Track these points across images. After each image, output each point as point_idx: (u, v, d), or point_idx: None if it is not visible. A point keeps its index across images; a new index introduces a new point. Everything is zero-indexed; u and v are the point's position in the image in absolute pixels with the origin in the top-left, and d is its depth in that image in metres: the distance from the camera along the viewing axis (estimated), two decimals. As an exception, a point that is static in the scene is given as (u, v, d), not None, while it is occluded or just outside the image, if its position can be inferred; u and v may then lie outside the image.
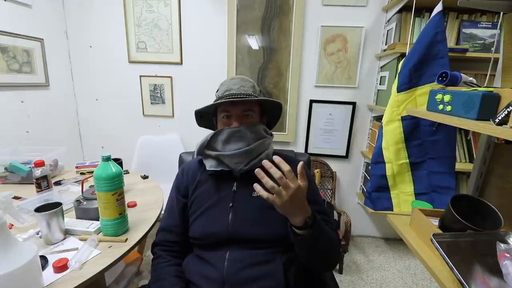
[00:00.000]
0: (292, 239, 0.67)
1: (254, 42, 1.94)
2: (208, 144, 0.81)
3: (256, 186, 0.60)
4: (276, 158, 0.59)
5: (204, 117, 0.89)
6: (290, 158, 0.89)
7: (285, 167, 0.59)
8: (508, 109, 0.59)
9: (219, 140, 0.79)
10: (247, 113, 0.79)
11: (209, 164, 0.81)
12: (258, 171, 0.57)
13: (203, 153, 0.83)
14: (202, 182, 0.84)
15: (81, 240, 0.83)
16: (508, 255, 0.60)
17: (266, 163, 0.59)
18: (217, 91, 0.85)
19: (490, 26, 1.61)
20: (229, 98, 0.76)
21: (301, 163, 0.64)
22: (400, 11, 1.64)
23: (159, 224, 0.89)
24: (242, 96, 0.77)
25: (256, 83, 0.87)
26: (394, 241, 2.16)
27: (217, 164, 0.80)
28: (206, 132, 0.86)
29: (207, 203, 0.80)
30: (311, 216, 0.64)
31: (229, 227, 0.75)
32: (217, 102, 0.78)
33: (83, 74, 2.11)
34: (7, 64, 1.64)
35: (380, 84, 1.89)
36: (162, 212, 0.94)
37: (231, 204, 0.78)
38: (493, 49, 1.54)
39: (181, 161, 1.22)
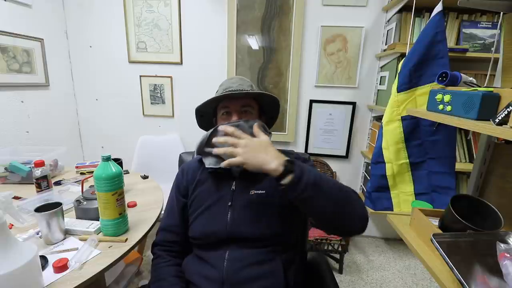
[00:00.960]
0: (289, 197, 0.63)
1: (254, 42, 1.94)
2: (208, 141, 0.81)
3: (224, 163, 0.66)
4: (226, 128, 0.69)
5: (205, 116, 0.89)
6: (288, 152, 0.89)
7: (229, 129, 0.68)
8: (508, 109, 0.59)
9: (218, 135, 0.78)
10: (246, 108, 0.81)
11: (208, 162, 0.81)
12: (215, 139, 0.69)
13: (202, 151, 0.83)
14: (201, 181, 0.84)
15: (81, 240, 0.83)
16: (508, 255, 0.60)
17: (224, 128, 0.70)
18: (216, 92, 0.86)
19: (490, 26, 1.61)
20: (228, 92, 0.78)
21: (256, 123, 0.73)
22: (400, 11, 1.64)
23: (159, 224, 0.89)
24: (239, 91, 0.79)
25: (256, 83, 0.87)
26: (394, 241, 2.16)
27: (216, 161, 0.80)
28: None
29: (207, 203, 0.80)
30: (288, 160, 0.62)
31: (228, 226, 0.75)
32: (217, 96, 0.79)
33: (83, 74, 2.11)
34: (7, 64, 1.64)
35: (380, 84, 1.89)
36: (162, 212, 0.94)
37: (230, 203, 0.78)
38: (493, 49, 1.54)
39: (181, 161, 1.22)
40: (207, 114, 0.89)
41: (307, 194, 0.61)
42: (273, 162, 0.62)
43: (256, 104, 0.85)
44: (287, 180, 0.61)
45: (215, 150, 0.71)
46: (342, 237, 1.66)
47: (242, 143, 0.65)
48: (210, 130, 0.80)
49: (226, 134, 0.69)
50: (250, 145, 0.65)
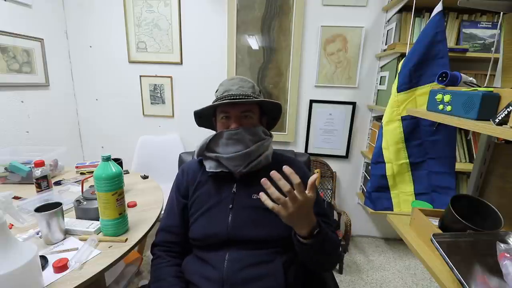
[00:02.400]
0: (297, 248, 0.68)
1: (254, 42, 1.94)
2: (207, 146, 0.81)
3: (262, 195, 0.59)
4: (286, 169, 0.57)
5: (204, 117, 0.88)
6: (288, 159, 0.89)
7: (296, 179, 0.57)
8: (508, 109, 0.59)
9: (218, 143, 0.79)
10: (246, 114, 0.78)
11: (209, 165, 0.81)
12: (264, 181, 0.57)
13: (203, 154, 0.83)
14: (202, 183, 0.84)
15: (81, 240, 0.83)
16: (508, 255, 0.60)
17: (274, 174, 0.56)
18: (216, 91, 0.85)
19: (490, 26, 1.61)
20: (227, 99, 0.76)
21: (313, 176, 0.61)
22: (400, 11, 1.64)
23: (159, 225, 0.89)
24: (241, 97, 0.77)
25: (256, 83, 0.86)
26: (394, 241, 2.16)
27: (217, 165, 0.80)
28: (206, 132, 0.86)
29: (207, 204, 0.80)
30: (316, 225, 0.64)
31: (229, 229, 0.75)
32: (216, 103, 0.77)
33: (83, 74, 2.11)
34: (7, 64, 1.64)
35: (380, 84, 1.89)
36: (162, 212, 0.94)
37: (230, 206, 0.78)
38: (493, 49, 1.54)
39: (181, 161, 1.22)
40: (207, 115, 0.88)
41: (312, 253, 0.67)
42: (305, 227, 0.63)
43: (257, 107, 0.82)
44: (307, 241, 0.64)
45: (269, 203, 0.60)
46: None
47: (298, 203, 0.58)
48: (210, 136, 0.80)
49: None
50: (301, 206, 0.58)
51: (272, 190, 0.57)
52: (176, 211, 0.84)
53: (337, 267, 1.79)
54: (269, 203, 0.59)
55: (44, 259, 0.72)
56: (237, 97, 0.76)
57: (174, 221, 0.84)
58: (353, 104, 1.97)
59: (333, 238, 0.71)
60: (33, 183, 1.15)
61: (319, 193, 0.90)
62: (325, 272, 0.88)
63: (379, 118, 1.87)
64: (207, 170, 0.81)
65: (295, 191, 0.57)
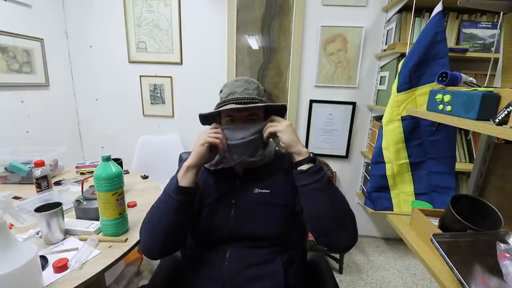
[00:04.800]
0: (302, 182, 0.68)
1: (254, 42, 1.94)
2: None
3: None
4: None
5: (208, 118, 0.86)
6: (290, 157, 0.89)
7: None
8: (508, 109, 0.59)
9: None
10: (251, 117, 0.77)
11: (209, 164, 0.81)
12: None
13: None
14: (205, 177, 0.83)
15: (81, 240, 0.83)
16: (508, 255, 0.60)
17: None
18: (220, 92, 0.82)
19: (490, 26, 1.61)
20: (232, 103, 0.74)
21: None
22: (400, 11, 1.64)
23: None
24: (245, 100, 0.75)
25: (260, 84, 0.84)
26: (394, 241, 2.16)
27: (217, 162, 0.80)
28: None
29: (210, 199, 0.79)
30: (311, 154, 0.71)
31: (231, 224, 0.75)
32: (220, 109, 0.75)
33: (83, 74, 2.11)
34: (7, 64, 1.64)
35: (380, 84, 1.89)
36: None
37: (233, 201, 0.78)
38: (493, 49, 1.54)
39: (181, 161, 1.22)
40: (211, 115, 0.86)
41: (319, 185, 0.67)
42: (303, 147, 0.71)
43: (262, 110, 0.80)
44: (307, 166, 0.68)
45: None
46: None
47: (284, 123, 0.73)
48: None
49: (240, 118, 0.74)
50: (290, 126, 0.72)
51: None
52: None
53: (337, 267, 1.79)
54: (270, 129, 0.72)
55: (44, 259, 0.72)
56: (242, 100, 0.75)
57: None
58: (353, 104, 1.97)
59: (337, 188, 0.73)
60: (33, 183, 1.15)
61: None
62: (338, 247, 0.76)
63: (379, 118, 1.87)
64: (206, 167, 0.81)
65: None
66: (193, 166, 0.71)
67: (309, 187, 0.68)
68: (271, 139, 0.79)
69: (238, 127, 0.75)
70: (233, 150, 0.76)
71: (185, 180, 0.70)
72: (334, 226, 0.68)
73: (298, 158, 0.70)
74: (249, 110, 0.75)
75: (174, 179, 0.72)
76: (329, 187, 0.68)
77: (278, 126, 0.71)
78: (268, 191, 0.78)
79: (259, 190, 0.78)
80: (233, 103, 0.74)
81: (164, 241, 0.71)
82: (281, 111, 0.85)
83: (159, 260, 0.99)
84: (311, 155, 0.70)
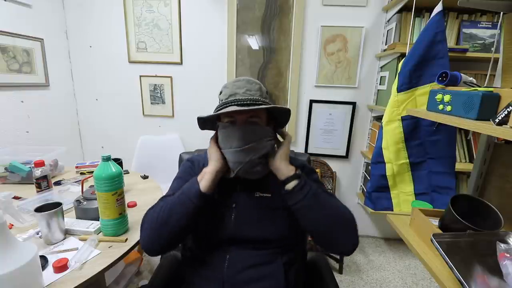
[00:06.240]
0: (290, 202, 0.68)
1: (254, 42, 1.94)
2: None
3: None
4: None
5: (207, 121, 0.80)
6: (293, 160, 0.87)
7: None
8: (508, 109, 0.59)
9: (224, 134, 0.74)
10: (253, 119, 0.72)
11: None
12: None
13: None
14: None
15: (81, 240, 0.83)
16: (508, 255, 0.60)
17: None
18: (220, 93, 0.77)
19: (490, 26, 1.61)
20: (234, 104, 0.69)
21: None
22: (400, 11, 1.64)
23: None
24: (248, 101, 0.70)
25: (262, 84, 0.80)
26: (394, 241, 2.16)
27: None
28: (207, 132, 0.85)
29: (211, 203, 0.79)
30: (297, 170, 0.70)
31: (232, 227, 0.75)
32: (220, 111, 0.69)
33: (83, 74, 2.11)
34: (7, 64, 1.64)
35: (380, 84, 1.89)
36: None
37: (234, 205, 0.77)
38: (493, 49, 1.54)
39: (181, 161, 1.22)
40: (210, 119, 0.79)
41: (307, 202, 0.66)
42: (291, 166, 0.71)
43: (265, 112, 0.75)
44: (293, 184, 0.67)
45: None
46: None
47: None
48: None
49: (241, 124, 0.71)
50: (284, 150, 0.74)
51: None
52: None
53: (337, 267, 1.79)
54: None
55: (44, 259, 0.72)
56: (244, 102, 0.70)
57: None
58: (353, 104, 1.97)
59: (325, 193, 0.72)
60: (33, 183, 1.15)
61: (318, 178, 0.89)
62: (341, 253, 0.76)
63: (379, 118, 1.87)
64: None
65: None
66: (215, 172, 0.71)
67: (298, 205, 0.67)
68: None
69: (235, 134, 0.70)
70: (229, 159, 0.73)
71: (206, 186, 0.69)
72: (332, 235, 0.69)
73: (282, 178, 0.69)
74: (252, 112, 0.71)
75: (193, 182, 0.71)
76: (317, 201, 0.67)
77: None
78: (269, 195, 0.77)
79: (260, 194, 0.78)
80: (234, 104, 0.69)
81: (170, 241, 0.70)
82: (284, 116, 0.80)
83: (159, 260, 0.99)
84: (297, 172, 0.69)
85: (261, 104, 0.70)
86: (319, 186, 0.75)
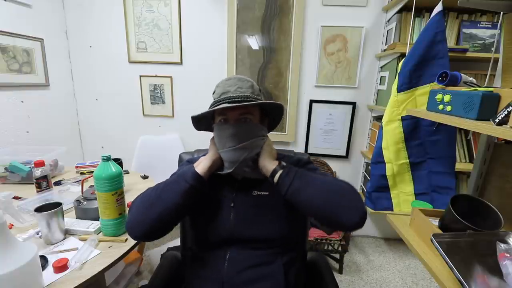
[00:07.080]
0: (282, 193, 0.67)
1: (254, 42, 1.94)
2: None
3: None
4: None
5: (202, 121, 0.82)
6: (285, 156, 0.87)
7: None
8: (508, 109, 0.59)
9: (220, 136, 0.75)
10: (245, 116, 0.73)
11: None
12: None
13: None
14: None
15: (81, 240, 0.83)
16: (508, 255, 0.60)
17: None
18: (213, 93, 0.79)
19: (490, 26, 1.61)
20: (225, 102, 0.70)
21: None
22: (400, 11, 1.64)
23: None
24: (239, 98, 0.71)
25: (255, 82, 0.82)
26: (394, 241, 2.16)
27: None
28: (207, 133, 0.86)
29: (209, 202, 0.79)
30: (280, 162, 0.72)
31: (231, 227, 0.75)
32: (212, 109, 0.71)
33: (83, 74, 2.11)
34: (7, 64, 1.64)
35: (380, 84, 1.89)
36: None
37: (232, 205, 0.77)
38: (493, 49, 1.54)
39: (181, 161, 1.22)
40: (205, 119, 0.82)
41: (294, 186, 0.66)
42: (274, 159, 0.73)
43: (257, 109, 0.77)
44: (278, 176, 0.68)
45: None
46: (344, 231, 1.62)
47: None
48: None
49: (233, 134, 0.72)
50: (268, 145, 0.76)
51: None
52: None
53: (337, 267, 1.79)
54: None
55: (44, 259, 0.72)
56: (235, 99, 0.71)
57: None
58: (353, 104, 1.97)
59: (315, 173, 0.74)
60: (33, 183, 1.15)
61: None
62: (349, 227, 0.68)
63: (379, 118, 1.87)
64: None
65: None
66: (212, 160, 0.74)
67: (289, 191, 0.66)
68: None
69: (228, 133, 0.71)
70: (225, 159, 0.75)
71: (203, 168, 0.72)
72: (332, 209, 0.65)
73: (268, 174, 0.71)
74: (243, 109, 0.72)
75: (189, 167, 0.74)
76: (305, 180, 0.67)
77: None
78: (267, 193, 0.77)
79: (258, 192, 0.78)
80: (226, 102, 0.70)
81: (157, 221, 0.68)
82: (277, 112, 0.81)
83: (159, 260, 0.99)
84: (281, 163, 0.71)
85: (252, 101, 0.72)
86: (316, 172, 0.77)
